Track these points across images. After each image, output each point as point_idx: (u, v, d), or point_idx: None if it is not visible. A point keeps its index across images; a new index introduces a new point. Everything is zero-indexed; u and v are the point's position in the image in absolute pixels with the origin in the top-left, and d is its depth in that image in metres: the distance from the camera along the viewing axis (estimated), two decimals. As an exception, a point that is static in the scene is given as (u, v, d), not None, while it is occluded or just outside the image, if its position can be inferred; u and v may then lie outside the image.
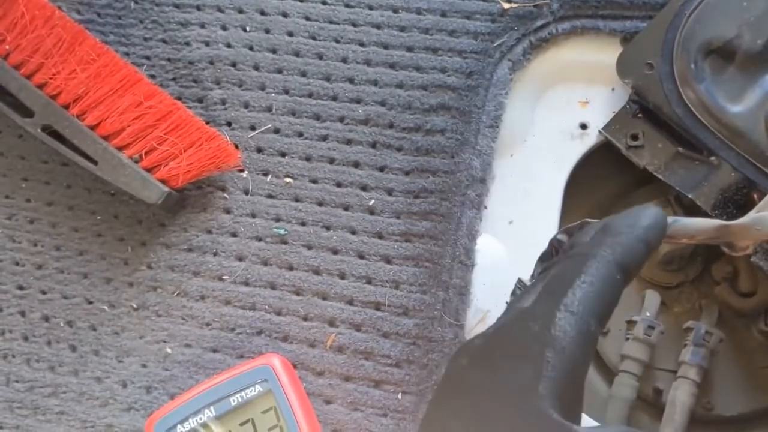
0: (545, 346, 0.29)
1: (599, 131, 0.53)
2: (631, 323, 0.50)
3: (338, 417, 0.47)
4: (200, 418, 0.44)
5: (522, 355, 0.29)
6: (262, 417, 0.44)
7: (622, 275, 0.32)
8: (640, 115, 0.52)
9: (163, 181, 0.52)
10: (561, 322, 0.29)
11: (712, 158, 0.49)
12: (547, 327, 0.29)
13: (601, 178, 0.56)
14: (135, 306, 0.52)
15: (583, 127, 0.54)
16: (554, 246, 0.45)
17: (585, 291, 0.31)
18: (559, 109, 0.54)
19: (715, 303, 0.51)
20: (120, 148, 0.53)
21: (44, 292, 0.53)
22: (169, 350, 0.50)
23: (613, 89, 0.54)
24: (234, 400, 0.44)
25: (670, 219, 0.41)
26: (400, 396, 0.47)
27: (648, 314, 0.50)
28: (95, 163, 0.53)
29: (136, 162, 0.52)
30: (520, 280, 0.45)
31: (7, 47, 0.56)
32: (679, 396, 0.48)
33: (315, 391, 0.48)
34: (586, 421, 0.47)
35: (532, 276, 0.45)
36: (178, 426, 0.44)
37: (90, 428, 0.49)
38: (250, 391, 0.44)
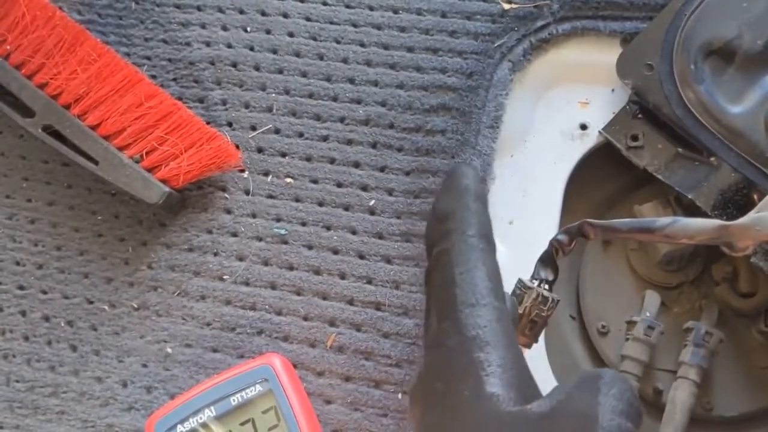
0: (470, 352, 0.29)
1: (599, 132, 0.53)
2: (630, 323, 0.51)
3: (338, 417, 0.47)
4: (200, 418, 0.44)
5: (457, 374, 0.29)
6: (262, 417, 0.44)
7: (485, 241, 0.32)
8: (640, 115, 0.52)
9: (163, 181, 0.52)
10: (468, 320, 0.29)
11: (712, 159, 0.49)
12: (459, 333, 0.29)
13: (601, 179, 0.56)
14: (136, 306, 0.52)
15: (583, 127, 0.54)
16: (554, 246, 0.45)
17: (469, 279, 0.30)
18: (560, 110, 0.54)
19: (715, 303, 0.51)
20: (121, 148, 0.53)
21: (45, 292, 0.53)
22: (169, 350, 0.50)
23: (613, 90, 0.54)
24: (234, 400, 0.44)
25: (670, 219, 0.41)
26: (400, 396, 0.47)
27: (648, 314, 0.50)
28: (96, 163, 0.53)
29: (137, 162, 0.52)
30: (520, 281, 0.45)
31: (8, 47, 0.56)
32: (679, 396, 0.48)
33: (315, 391, 0.48)
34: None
35: (533, 276, 0.45)
36: (179, 426, 0.44)
37: (90, 428, 0.49)
38: (251, 391, 0.44)
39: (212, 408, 0.44)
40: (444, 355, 0.30)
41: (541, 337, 0.48)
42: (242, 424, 0.44)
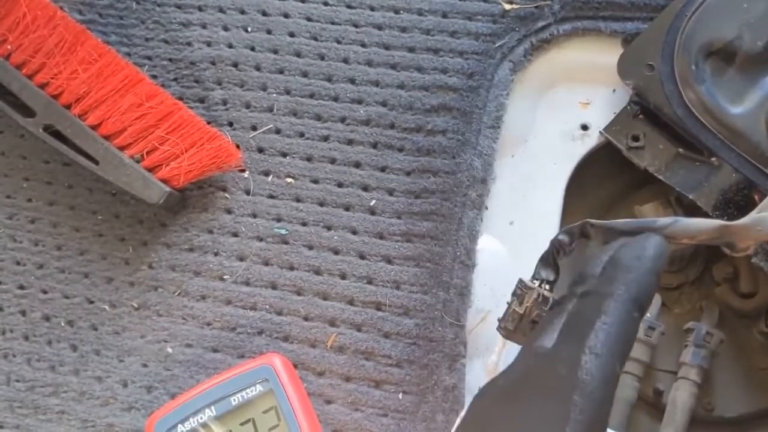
0: (573, 389, 0.29)
1: (600, 132, 0.53)
2: (631, 324, 0.50)
3: (339, 417, 0.47)
4: (201, 418, 0.44)
5: (549, 396, 0.29)
6: (262, 417, 0.44)
7: (639, 312, 0.33)
8: (640, 116, 0.52)
9: (164, 181, 0.52)
10: (587, 365, 0.30)
11: (713, 159, 0.49)
12: (573, 370, 0.29)
13: (602, 179, 0.56)
14: (136, 305, 0.52)
15: (584, 128, 0.54)
16: (555, 246, 0.45)
17: (607, 332, 0.31)
18: (560, 110, 0.54)
19: (715, 304, 0.51)
20: (121, 148, 0.53)
21: (45, 292, 0.53)
22: (170, 350, 0.50)
23: (614, 90, 0.54)
24: (234, 400, 0.44)
25: (671, 219, 0.41)
26: (400, 396, 0.47)
27: (649, 315, 0.50)
28: (97, 162, 0.53)
29: (138, 162, 0.53)
30: (521, 281, 0.45)
31: (9, 47, 0.56)
32: (680, 396, 0.48)
33: (316, 391, 0.48)
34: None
35: (533, 277, 0.45)
36: (179, 425, 0.44)
37: (90, 428, 0.49)
38: (251, 391, 0.44)
39: (212, 408, 0.44)
40: (546, 373, 0.30)
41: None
42: (242, 424, 0.44)
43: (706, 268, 0.53)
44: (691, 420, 0.48)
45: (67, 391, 0.51)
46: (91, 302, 0.53)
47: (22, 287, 0.54)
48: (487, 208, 0.52)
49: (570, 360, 0.30)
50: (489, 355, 0.48)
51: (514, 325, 0.45)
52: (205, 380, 0.46)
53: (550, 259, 0.45)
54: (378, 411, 0.47)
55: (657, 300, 0.52)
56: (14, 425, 0.50)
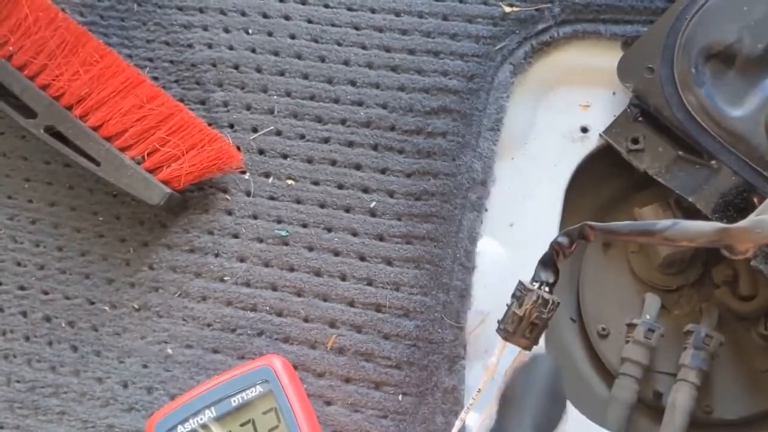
0: None
1: (600, 135, 0.53)
2: (631, 326, 0.51)
3: (339, 418, 0.47)
4: (201, 419, 0.44)
5: None
6: (262, 418, 0.44)
7: None
8: (640, 118, 0.53)
9: (165, 183, 0.52)
10: None
11: (713, 162, 0.49)
12: None
13: (602, 182, 0.56)
14: (136, 306, 0.52)
15: (584, 130, 0.54)
16: (555, 249, 0.45)
17: None
18: (560, 113, 0.55)
19: (715, 306, 0.51)
20: (122, 150, 0.53)
21: (46, 293, 0.53)
22: (170, 351, 0.50)
23: (614, 93, 0.54)
24: (234, 401, 0.44)
25: (670, 222, 0.42)
26: (400, 397, 0.47)
27: (648, 317, 0.51)
28: (98, 164, 0.53)
29: (139, 163, 0.53)
30: (520, 283, 0.45)
31: (11, 48, 0.56)
32: (679, 399, 0.48)
33: (315, 392, 0.48)
34: (586, 423, 0.47)
35: (533, 279, 0.45)
36: (179, 426, 0.44)
37: (91, 428, 0.49)
38: (251, 392, 0.44)
39: (212, 409, 0.44)
40: None
41: (542, 340, 0.48)
42: (242, 425, 0.44)
43: (705, 271, 0.53)
44: (691, 422, 0.48)
45: (68, 391, 0.51)
46: (92, 303, 0.53)
47: (22, 288, 0.54)
48: (486, 210, 0.52)
49: None
50: (489, 357, 0.48)
51: (513, 327, 0.45)
52: (205, 381, 0.46)
53: (549, 261, 0.46)
54: (378, 412, 0.47)
55: (657, 302, 0.52)
56: (14, 426, 0.50)
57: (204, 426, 0.44)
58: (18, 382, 0.52)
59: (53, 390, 0.51)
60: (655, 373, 0.51)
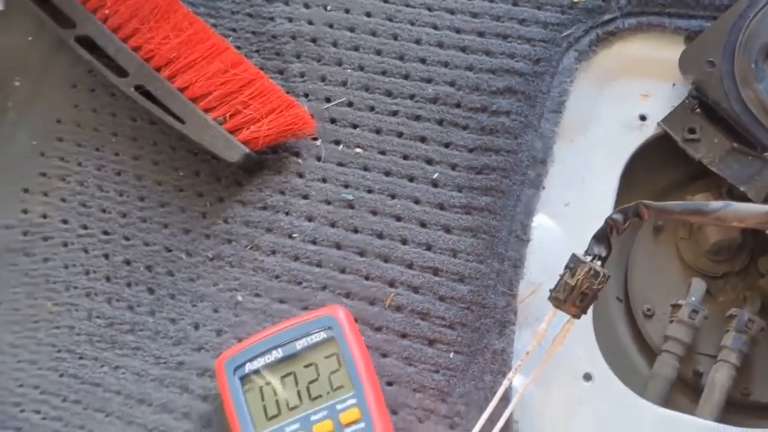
0: None
1: (658, 123, 0.55)
2: (675, 307, 0.53)
3: (393, 370, 0.50)
4: (267, 359, 0.47)
5: None
6: (324, 362, 0.47)
7: None
8: (698, 110, 0.55)
9: (244, 143, 0.56)
10: None
11: (766, 154, 0.51)
12: None
13: (657, 170, 0.59)
14: (210, 256, 0.56)
15: (643, 118, 0.57)
16: (609, 225, 0.48)
17: None
18: (621, 100, 0.57)
19: (758, 294, 0.53)
20: (206, 111, 0.57)
21: (127, 239, 0.58)
22: (240, 298, 0.54)
23: (673, 85, 0.56)
24: (299, 345, 0.47)
25: (722, 203, 0.44)
26: (452, 355, 0.50)
27: (693, 299, 0.53)
28: (183, 122, 0.57)
29: (221, 124, 0.56)
30: (574, 255, 0.48)
31: (107, 12, 0.60)
32: (719, 378, 0.50)
33: (373, 345, 0.51)
34: (627, 394, 0.49)
35: (586, 252, 0.48)
36: (247, 364, 0.47)
37: (163, 364, 0.53)
38: (315, 337, 0.47)
39: (279, 350, 0.47)
40: None
41: (590, 318, 0.51)
42: (306, 366, 0.47)
43: (752, 260, 0.55)
44: (728, 403, 0.50)
45: (143, 329, 0.55)
46: (169, 251, 0.57)
47: (106, 233, 0.58)
48: (544, 188, 0.55)
49: None
50: (538, 324, 0.50)
51: (564, 296, 0.47)
52: (273, 325, 0.50)
53: (603, 236, 0.48)
54: (430, 367, 0.50)
55: (702, 286, 0.54)
56: (93, 357, 0.55)
57: (270, 366, 0.47)
58: (98, 318, 0.56)
59: (130, 327, 0.55)
60: (697, 354, 0.53)
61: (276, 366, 0.47)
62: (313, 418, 0.45)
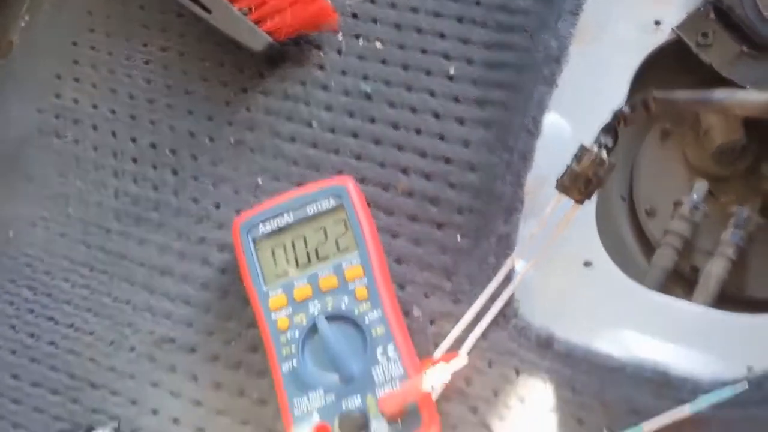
0: None
1: (672, 29, 0.57)
2: (677, 204, 0.55)
3: (402, 250, 0.53)
4: (280, 222, 0.50)
5: None
6: (332, 226, 0.50)
7: None
8: (712, 15, 0.56)
9: (268, 33, 0.58)
10: None
11: (776, 57, 0.52)
12: None
13: (669, 77, 0.59)
14: (232, 141, 0.58)
15: (657, 23, 0.57)
16: (617, 116, 0.49)
17: None
18: (637, 5, 0.58)
19: (760, 196, 0.55)
20: (232, 1, 0.59)
21: (153, 123, 0.60)
22: (260, 181, 0.57)
23: (689, -10, 0.57)
24: (310, 210, 0.50)
25: (727, 91, 0.45)
26: (459, 238, 0.53)
27: (695, 197, 0.54)
28: (209, 12, 0.59)
29: (245, 14, 0.58)
30: (581, 145, 0.50)
31: None
32: (714, 269, 0.52)
33: (384, 227, 0.53)
34: (626, 282, 0.52)
35: (594, 141, 0.50)
36: (260, 225, 0.50)
37: (185, 239, 0.56)
38: (325, 204, 0.50)
39: (291, 214, 0.50)
40: None
41: (592, 208, 0.53)
42: (315, 230, 0.50)
43: (755, 163, 0.56)
44: (723, 297, 0.52)
45: (167, 207, 0.58)
46: (193, 136, 0.59)
47: (133, 117, 0.61)
48: (557, 86, 0.56)
49: None
50: (543, 211, 0.52)
51: (570, 182, 0.49)
52: (286, 192, 0.52)
53: (611, 127, 0.50)
54: (437, 248, 0.53)
55: (705, 186, 0.55)
56: (119, 232, 0.58)
57: (282, 228, 0.50)
58: (125, 196, 0.59)
59: (154, 205, 0.58)
60: (695, 252, 0.55)
61: (287, 229, 0.50)
62: (320, 274, 0.48)
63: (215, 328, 0.54)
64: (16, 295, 0.58)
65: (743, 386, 0.44)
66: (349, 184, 0.51)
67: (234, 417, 0.51)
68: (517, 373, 0.49)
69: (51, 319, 0.57)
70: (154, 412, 0.52)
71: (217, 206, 0.57)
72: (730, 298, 0.54)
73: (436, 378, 0.43)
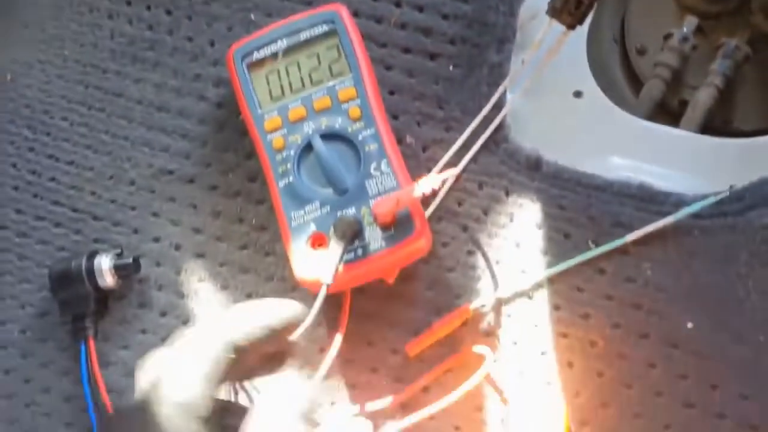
0: None
1: None
2: (667, 37, 0.55)
3: (395, 81, 0.53)
4: (273, 48, 0.50)
5: None
6: (325, 52, 0.50)
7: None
8: None
9: None
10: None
11: None
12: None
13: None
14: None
15: None
16: None
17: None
18: None
19: (748, 29, 0.55)
20: None
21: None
22: (252, 17, 0.57)
23: None
24: (303, 35, 0.50)
25: None
26: (451, 68, 0.53)
27: (685, 30, 0.55)
28: None
29: None
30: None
31: None
32: (702, 97, 0.53)
33: (377, 58, 0.54)
34: (615, 110, 0.53)
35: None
36: (254, 52, 0.51)
37: (181, 76, 0.57)
38: (318, 29, 0.50)
39: (284, 40, 0.51)
40: None
41: (583, 39, 0.53)
42: (308, 56, 0.50)
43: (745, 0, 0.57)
44: (710, 130, 0.54)
45: (162, 46, 0.58)
46: (187, -23, 0.59)
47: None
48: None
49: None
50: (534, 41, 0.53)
51: (561, 4, 0.50)
52: (281, 20, 0.52)
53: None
54: (430, 78, 0.53)
55: (695, 21, 0.56)
56: (116, 71, 0.58)
57: (275, 54, 0.50)
58: (120, 36, 0.59)
59: (149, 45, 0.58)
60: (684, 86, 0.56)
61: (282, 54, 0.51)
62: (314, 96, 0.49)
63: (213, 160, 0.55)
64: (16, 135, 0.59)
65: (725, 194, 0.46)
66: (342, 11, 0.51)
67: (233, 242, 0.53)
68: (507, 193, 0.50)
69: (51, 156, 0.58)
70: (156, 239, 0.54)
71: (212, 43, 0.57)
72: (717, 131, 0.55)
73: (428, 185, 0.44)
